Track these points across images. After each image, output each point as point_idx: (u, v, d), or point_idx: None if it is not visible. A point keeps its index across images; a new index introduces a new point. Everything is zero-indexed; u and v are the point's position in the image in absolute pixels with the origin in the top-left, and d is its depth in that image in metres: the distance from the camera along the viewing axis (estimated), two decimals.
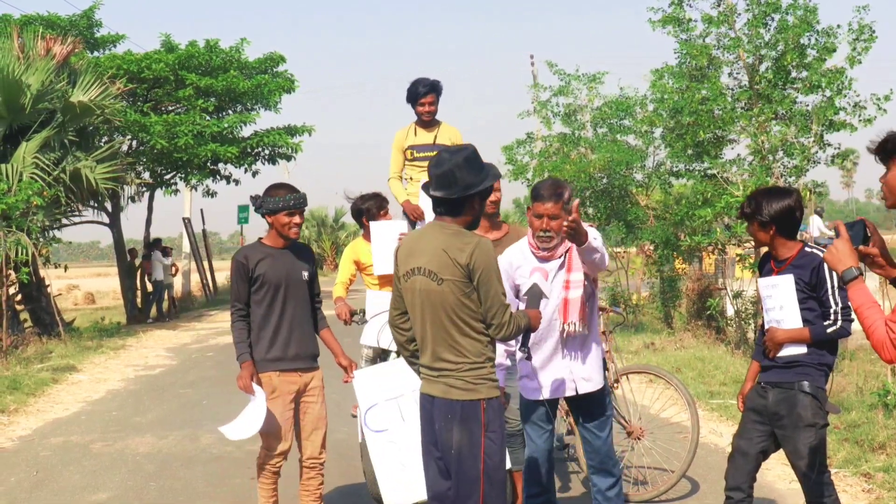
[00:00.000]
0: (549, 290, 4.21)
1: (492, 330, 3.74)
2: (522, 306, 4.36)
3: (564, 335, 4.42)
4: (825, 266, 4.04)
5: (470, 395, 3.73)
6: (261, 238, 5.04)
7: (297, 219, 4.86)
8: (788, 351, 4.11)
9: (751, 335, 12.74)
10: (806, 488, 4.13)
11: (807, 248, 4.16)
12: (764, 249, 4.46)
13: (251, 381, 4.76)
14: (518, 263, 4.47)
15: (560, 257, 4.44)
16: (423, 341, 3.85)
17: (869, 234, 2.93)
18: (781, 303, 4.13)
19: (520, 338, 4.03)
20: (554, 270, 4.44)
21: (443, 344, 3.76)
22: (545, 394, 4.48)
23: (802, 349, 4.09)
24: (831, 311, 4.06)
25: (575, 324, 4.38)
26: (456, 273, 3.69)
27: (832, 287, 4.06)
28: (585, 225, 4.49)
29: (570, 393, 4.47)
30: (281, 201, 4.80)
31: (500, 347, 4.41)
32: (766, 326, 4.22)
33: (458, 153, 3.84)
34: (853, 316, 4.01)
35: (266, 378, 4.82)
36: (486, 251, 3.71)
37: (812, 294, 4.08)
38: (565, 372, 4.45)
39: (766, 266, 4.28)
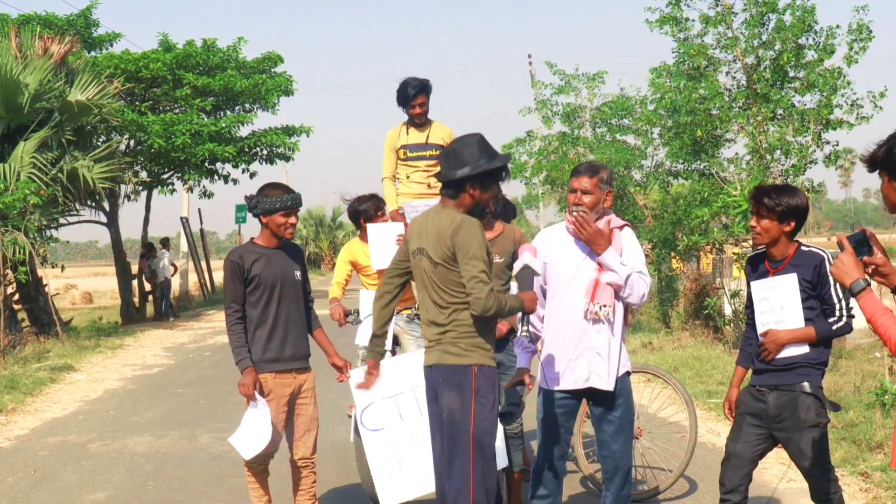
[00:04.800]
0: (540, 267, 4.19)
1: (470, 305, 3.84)
2: (550, 286, 4.35)
3: (589, 316, 4.26)
4: (826, 263, 4.05)
5: (461, 359, 3.89)
6: (253, 238, 5.03)
7: (292, 219, 4.86)
8: (790, 352, 4.07)
9: None
10: (812, 486, 4.14)
11: (804, 248, 4.16)
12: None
13: (254, 389, 4.72)
14: (550, 245, 4.41)
15: None
16: (426, 313, 4.04)
17: (870, 245, 2.94)
18: (782, 303, 4.09)
19: (519, 318, 4.07)
20: (586, 251, 4.31)
21: (440, 314, 3.94)
22: (563, 384, 4.34)
23: (804, 349, 4.07)
24: (836, 308, 4.06)
25: (604, 307, 4.25)
26: (445, 256, 3.88)
27: (835, 283, 4.05)
28: (624, 234, 4.37)
29: (585, 385, 4.30)
30: (278, 202, 4.78)
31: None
32: (763, 329, 4.15)
33: (465, 137, 4.05)
34: (855, 312, 4.03)
35: (262, 379, 4.80)
36: (467, 228, 3.85)
37: (812, 293, 4.08)
38: (584, 363, 4.30)
39: (759, 267, 4.23)
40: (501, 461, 4.78)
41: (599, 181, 4.33)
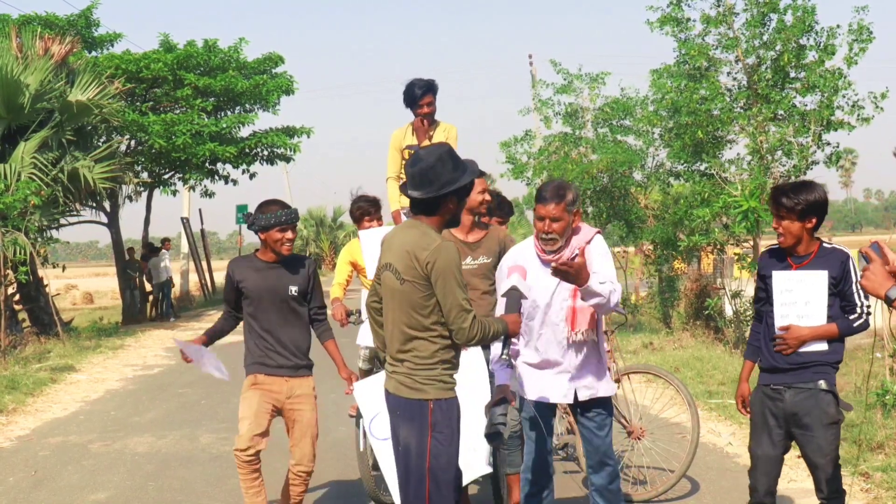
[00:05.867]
0: (528, 290, 4.17)
1: (453, 335, 3.74)
2: (525, 307, 4.33)
3: (570, 342, 4.36)
4: (851, 261, 4.06)
5: (417, 394, 3.78)
6: (257, 251, 5.14)
7: (289, 234, 4.94)
8: (810, 347, 4.06)
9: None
10: (824, 485, 4.12)
11: (826, 245, 4.15)
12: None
13: (182, 348, 5.03)
14: (520, 264, 4.39)
15: None
16: (387, 336, 3.94)
17: (884, 255, 2.95)
18: (807, 298, 4.06)
19: (500, 344, 4.02)
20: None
21: (400, 341, 3.83)
22: (545, 397, 4.44)
23: (823, 345, 4.06)
24: (857, 306, 4.06)
25: (583, 332, 4.33)
26: (416, 275, 3.71)
27: (856, 281, 4.05)
28: (592, 232, 4.44)
29: (569, 400, 4.43)
30: (273, 217, 4.88)
31: (497, 347, 4.36)
32: (783, 322, 4.11)
33: (433, 152, 3.86)
34: (872, 310, 4.10)
35: (252, 376, 5.00)
36: (446, 255, 3.69)
37: (835, 290, 4.06)
38: (566, 379, 4.40)
39: (780, 261, 4.18)
40: (482, 468, 4.79)
41: (566, 206, 4.29)
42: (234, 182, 23.94)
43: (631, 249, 19.50)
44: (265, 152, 23.49)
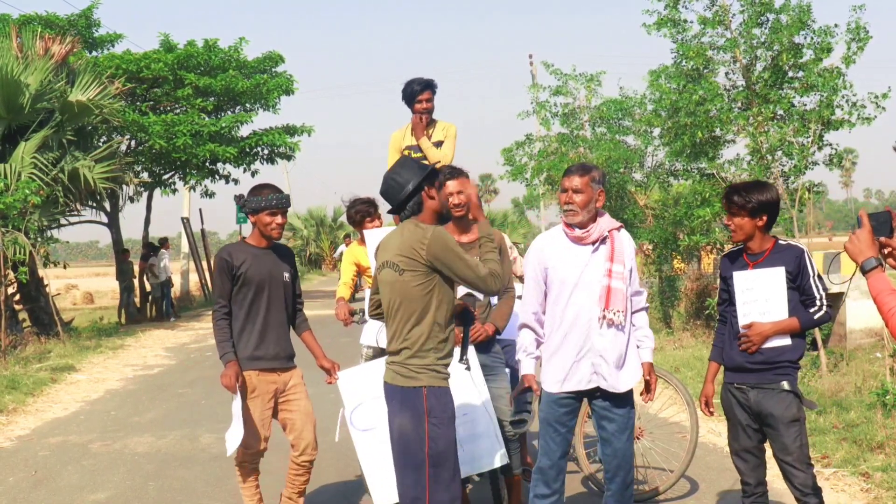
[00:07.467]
0: (555, 269, 4.25)
1: (486, 285, 3.88)
2: (552, 291, 4.37)
3: (604, 323, 4.28)
4: (807, 255, 4.19)
5: (410, 381, 3.89)
6: (244, 238, 5.10)
7: (279, 219, 4.91)
8: (774, 343, 4.16)
9: None
10: (795, 484, 4.21)
11: (781, 242, 4.28)
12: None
13: (235, 381, 4.76)
14: (548, 251, 4.41)
15: (594, 243, 4.35)
16: (388, 330, 4.06)
17: (892, 226, 2.91)
18: (767, 295, 4.17)
19: (459, 350, 4.15)
20: (587, 254, 4.33)
21: (398, 332, 3.96)
22: (567, 386, 4.33)
23: (786, 340, 4.16)
24: (816, 298, 4.17)
25: (618, 313, 4.28)
26: (414, 264, 3.88)
27: (814, 275, 4.19)
28: (624, 238, 4.47)
29: (589, 386, 4.30)
30: (263, 201, 4.85)
31: (529, 336, 4.42)
32: (745, 321, 4.21)
33: (385, 175, 4.08)
34: (830, 301, 4.22)
35: (246, 377, 4.86)
36: (438, 239, 3.87)
37: (793, 284, 4.18)
38: (587, 365, 4.30)
39: (737, 261, 4.32)
40: (491, 461, 4.79)
41: (591, 180, 4.34)
42: (235, 181, 23.98)
43: None
44: (265, 151, 23.51)
